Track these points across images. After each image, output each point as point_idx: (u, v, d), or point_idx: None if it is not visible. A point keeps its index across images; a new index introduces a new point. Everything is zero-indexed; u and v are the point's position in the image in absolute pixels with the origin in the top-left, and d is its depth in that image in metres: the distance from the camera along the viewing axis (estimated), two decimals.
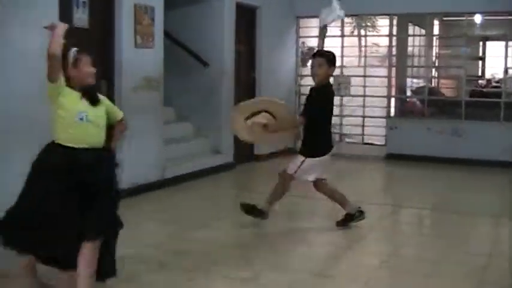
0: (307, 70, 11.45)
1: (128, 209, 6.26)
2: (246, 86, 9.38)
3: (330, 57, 5.32)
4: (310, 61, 5.29)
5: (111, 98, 6.43)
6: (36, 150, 3.43)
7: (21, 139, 5.27)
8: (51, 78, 3.40)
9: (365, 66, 10.82)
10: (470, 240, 5.40)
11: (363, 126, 10.64)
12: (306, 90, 6.08)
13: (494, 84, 12.98)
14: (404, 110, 10.73)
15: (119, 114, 3.76)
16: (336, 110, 10.53)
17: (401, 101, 10.99)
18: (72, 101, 3.44)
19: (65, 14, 5.78)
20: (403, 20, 11.21)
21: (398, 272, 4.53)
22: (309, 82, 9.36)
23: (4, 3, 5.04)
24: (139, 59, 6.73)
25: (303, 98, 7.49)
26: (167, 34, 7.63)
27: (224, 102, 8.49)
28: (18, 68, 5.29)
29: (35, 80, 5.45)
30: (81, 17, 6.04)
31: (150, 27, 6.84)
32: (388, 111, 10.43)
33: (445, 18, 13.65)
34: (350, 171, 9.11)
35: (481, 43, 14.67)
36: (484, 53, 14.74)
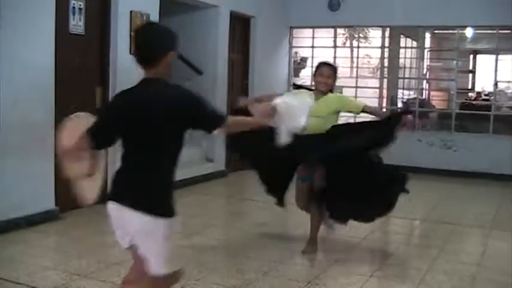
0: (299, 80, 11.55)
1: None
2: (239, 94, 9.42)
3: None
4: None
5: (106, 104, 6.53)
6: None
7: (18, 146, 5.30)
8: None
9: (357, 77, 10.90)
10: (459, 250, 5.45)
11: None
12: None
13: (484, 97, 13.11)
14: None
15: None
16: None
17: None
18: None
19: (62, 20, 5.82)
20: (395, 32, 11.33)
21: (389, 280, 4.58)
22: None
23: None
24: (134, 66, 6.73)
25: None
26: None
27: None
28: (17, 75, 5.32)
29: (34, 89, 5.51)
30: (77, 23, 6.07)
31: None
32: None
33: (436, 31, 13.79)
34: None
35: (471, 56, 14.81)
36: (474, 66, 14.88)
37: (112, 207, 2.73)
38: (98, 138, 2.73)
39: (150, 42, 2.79)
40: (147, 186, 2.70)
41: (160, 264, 2.73)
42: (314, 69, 5.22)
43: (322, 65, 5.14)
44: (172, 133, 2.73)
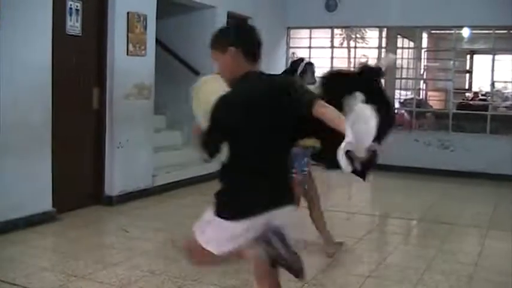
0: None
1: (118, 216, 6.33)
2: None
3: None
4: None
5: (102, 106, 6.55)
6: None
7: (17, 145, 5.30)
8: None
9: None
10: (457, 250, 5.45)
11: None
12: None
13: (481, 97, 13.14)
14: None
15: None
16: None
17: None
18: None
19: (58, 21, 5.82)
20: (392, 33, 11.34)
21: (386, 280, 4.58)
22: None
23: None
24: (131, 67, 6.76)
25: None
26: (159, 42, 7.67)
27: None
28: (17, 75, 5.32)
29: (33, 89, 5.51)
30: (74, 24, 6.07)
31: (142, 35, 6.88)
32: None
33: (433, 32, 13.81)
34: (338, 181, 9.17)
35: (468, 56, 14.84)
36: (471, 66, 14.90)
37: (255, 219, 2.75)
38: (212, 146, 2.90)
39: (261, 41, 2.99)
40: (285, 178, 2.82)
41: None
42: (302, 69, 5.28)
43: (311, 64, 5.27)
44: (287, 120, 2.72)
